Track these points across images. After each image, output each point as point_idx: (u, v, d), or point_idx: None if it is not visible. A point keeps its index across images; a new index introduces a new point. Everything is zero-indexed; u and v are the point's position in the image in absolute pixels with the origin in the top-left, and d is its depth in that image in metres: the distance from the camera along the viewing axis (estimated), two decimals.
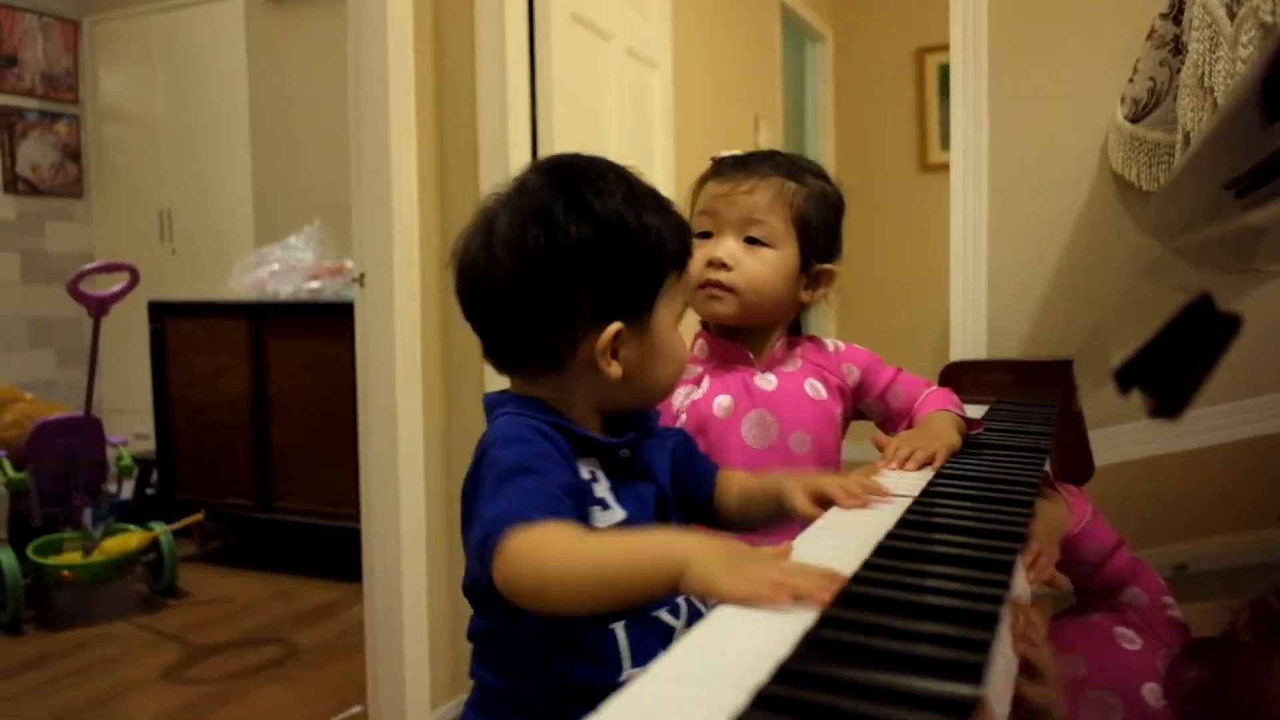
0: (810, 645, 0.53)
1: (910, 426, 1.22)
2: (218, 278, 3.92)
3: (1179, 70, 1.40)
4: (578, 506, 0.81)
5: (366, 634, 2.17)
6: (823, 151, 4.95)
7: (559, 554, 0.70)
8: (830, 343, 1.28)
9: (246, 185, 4.64)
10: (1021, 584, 0.74)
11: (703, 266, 1.16)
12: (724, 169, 1.21)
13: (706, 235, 1.19)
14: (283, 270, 3.68)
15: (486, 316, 0.89)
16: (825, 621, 0.55)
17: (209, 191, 4.72)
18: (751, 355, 1.21)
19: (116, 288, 3.11)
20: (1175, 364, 0.94)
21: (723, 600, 0.62)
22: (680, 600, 0.86)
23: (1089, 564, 1.18)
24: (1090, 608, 1.15)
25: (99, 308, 3.06)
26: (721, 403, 1.17)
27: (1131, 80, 1.57)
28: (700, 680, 0.50)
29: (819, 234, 1.20)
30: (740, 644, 0.54)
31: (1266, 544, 0.98)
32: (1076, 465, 1.42)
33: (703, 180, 1.23)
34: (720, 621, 0.59)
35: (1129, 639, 1.06)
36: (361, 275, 2.07)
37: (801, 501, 0.89)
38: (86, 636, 2.92)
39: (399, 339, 2.04)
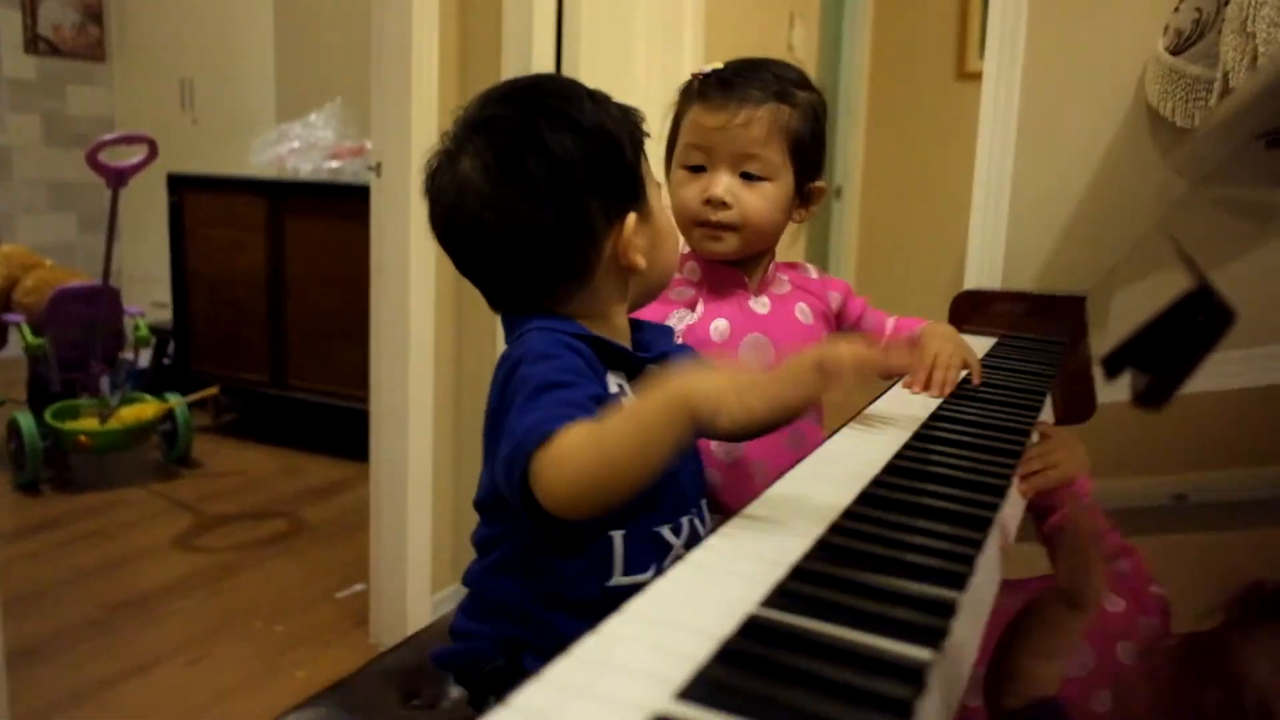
0: (780, 596, 0.54)
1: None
2: (237, 151, 3.89)
3: (1226, 3, 1.35)
4: None
5: (371, 515, 2.23)
6: (859, 53, 4.81)
7: (589, 449, 0.70)
8: (812, 268, 1.27)
9: (269, 58, 4.56)
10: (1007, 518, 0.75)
11: (700, 204, 1.13)
12: (710, 93, 1.13)
13: (699, 169, 1.14)
14: (303, 148, 3.65)
15: (500, 262, 0.87)
16: (796, 574, 0.56)
17: (231, 61, 4.64)
18: (746, 279, 1.20)
19: (136, 159, 3.09)
20: (1164, 353, 0.93)
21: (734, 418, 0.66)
22: (683, 520, 0.88)
23: None
24: None
25: (117, 179, 3.05)
26: (719, 327, 1.16)
27: (1177, 10, 1.51)
28: (672, 626, 0.51)
29: (811, 153, 1.16)
30: (717, 589, 0.56)
31: (1266, 480, 0.98)
32: (1080, 403, 1.42)
33: (685, 98, 1.17)
34: (701, 563, 0.60)
35: (1112, 600, 1.08)
36: (379, 164, 2.05)
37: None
38: (101, 501, 3.01)
39: (413, 229, 2.04)
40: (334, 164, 3.56)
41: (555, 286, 0.87)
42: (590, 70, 2.14)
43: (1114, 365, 1.08)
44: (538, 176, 0.82)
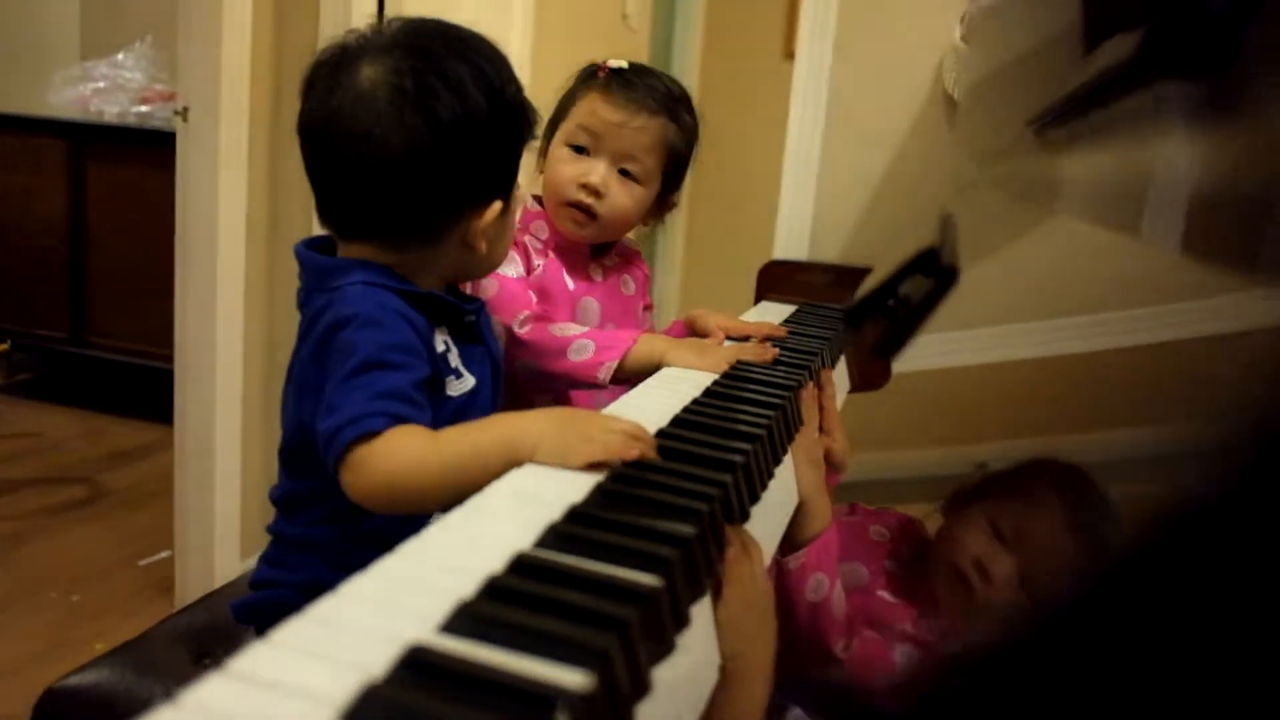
0: (552, 536, 0.57)
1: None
2: (35, 88, 3.61)
3: None
4: (431, 398, 0.83)
5: (176, 478, 2.14)
6: (692, 28, 4.88)
7: (409, 462, 0.72)
8: (630, 243, 1.36)
9: None
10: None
11: (574, 186, 1.18)
12: (614, 88, 1.18)
13: (582, 151, 1.19)
14: (109, 89, 3.43)
15: (364, 182, 0.83)
16: (570, 516, 0.59)
17: None
18: (588, 249, 1.27)
19: None
20: (896, 308, 1.01)
21: (577, 469, 0.67)
22: None
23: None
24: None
25: None
26: (564, 280, 1.23)
27: (973, 0, 1.62)
28: (447, 568, 0.53)
29: (679, 170, 1.24)
30: (497, 532, 0.58)
31: (1065, 448, 1.08)
32: (875, 371, 1.52)
33: (584, 83, 1.21)
34: (482, 508, 0.62)
35: (880, 534, 1.18)
36: (185, 109, 1.96)
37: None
38: None
39: (222, 179, 1.96)
40: (143, 108, 3.36)
41: (401, 234, 0.85)
42: None
43: (854, 317, 1.17)
44: (445, 120, 0.80)
